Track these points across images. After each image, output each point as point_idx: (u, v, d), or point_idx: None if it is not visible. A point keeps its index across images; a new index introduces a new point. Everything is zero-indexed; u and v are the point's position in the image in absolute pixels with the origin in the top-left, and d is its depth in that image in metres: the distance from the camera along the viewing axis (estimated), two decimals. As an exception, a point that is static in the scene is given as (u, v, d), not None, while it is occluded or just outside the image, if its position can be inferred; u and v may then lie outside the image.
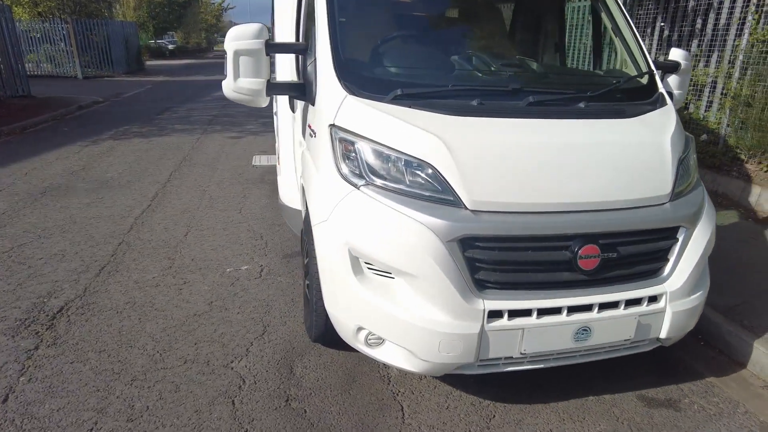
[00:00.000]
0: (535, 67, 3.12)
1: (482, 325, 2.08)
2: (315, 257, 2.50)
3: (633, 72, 2.96)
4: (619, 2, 3.22)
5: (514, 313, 2.12)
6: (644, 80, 2.88)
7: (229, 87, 2.64)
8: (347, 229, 2.19)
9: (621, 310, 2.24)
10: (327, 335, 2.72)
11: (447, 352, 2.10)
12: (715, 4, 5.72)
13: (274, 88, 2.76)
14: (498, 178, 2.14)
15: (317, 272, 2.49)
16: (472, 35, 3.25)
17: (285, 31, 3.85)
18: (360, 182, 2.22)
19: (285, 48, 2.92)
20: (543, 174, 2.19)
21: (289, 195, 4.19)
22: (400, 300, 2.13)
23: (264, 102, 2.75)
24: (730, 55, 5.51)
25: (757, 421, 2.52)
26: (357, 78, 2.48)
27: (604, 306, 2.21)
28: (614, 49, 3.27)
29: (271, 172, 6.63)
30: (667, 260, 2.35)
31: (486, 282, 2.12)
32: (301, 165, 3.01)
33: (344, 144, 2.30)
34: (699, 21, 5.93)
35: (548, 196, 2.16)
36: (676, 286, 2.32)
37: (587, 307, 2.19)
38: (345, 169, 2.27)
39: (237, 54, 2.55)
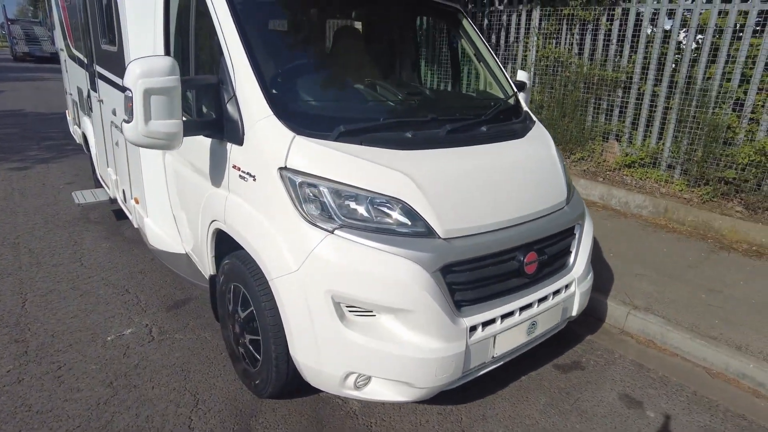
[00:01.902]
0: (428, 93, 3.39)
1: (466, 342, 2.26)
2: (269, 309, 2.34)
3: (498, 93, 3.45)
4: (477, 31, 3.71)
5: (485, 324, 2.36)
6: (512, 101, 3.40)
7: (137, 132, 2.25)
8: (328, 276, 2.12)
9: (551, 301, 2.67)
10: (286, 389, 2.57)
11: (442, 375, 2.22)
12: (505, 24, 6.91)
13: (192, 128, 2.44)
14: (459, 206, 2.33)
15: (276, 326, 2.34)
16: (364, 61, 3.35)
17: (145, 52, 3.33)
18: (332, 226, 2.16)
19: (199, 83, 2.56)
20: (489, 196, 2.46)
21: (162, 239, 3.70)
22: (392, 336, 2.17)
23: (179, 144, 2.41)
24: (522, 66, 6.74)
25: (629, 360, 3.28)
26: (295, 116, 2.38)
27: (541, 300, 2.61)
28: (474, 72, 3.74)
29: (97, 209, 5.62)
30: (571, 253, 2.88)
31: (462, 302, 2.31)
32: (215, 208, 2.71)
33: (304, 188, 2.20)
34: (494, 37, 7.08)
35: (497, 216, 2.44)
36: (579, 273, 2.86)
37: (531, 305, 2.56)
38: (310, 214, 2.18)
39: (148, 93, 2.19)
